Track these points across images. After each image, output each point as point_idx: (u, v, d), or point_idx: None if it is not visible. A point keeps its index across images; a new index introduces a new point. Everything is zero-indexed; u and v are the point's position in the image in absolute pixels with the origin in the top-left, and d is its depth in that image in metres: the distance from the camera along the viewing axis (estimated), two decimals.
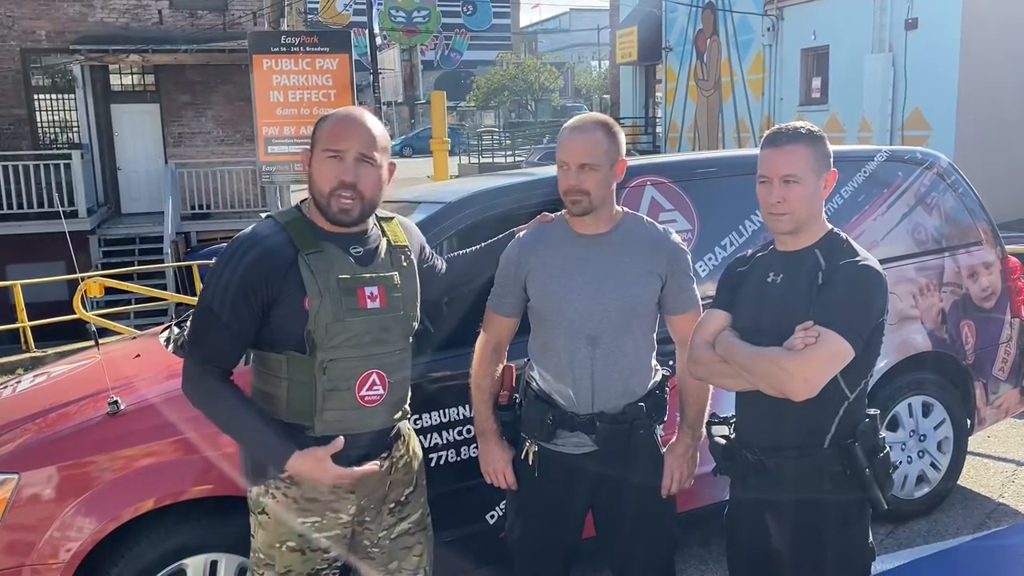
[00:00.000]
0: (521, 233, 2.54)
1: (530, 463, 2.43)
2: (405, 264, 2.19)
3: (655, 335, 2.47)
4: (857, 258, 2.10)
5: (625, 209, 2.47)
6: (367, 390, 2.11)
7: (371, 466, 2.11)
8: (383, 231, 2.21)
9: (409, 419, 2.33)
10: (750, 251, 2.34)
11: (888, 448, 2.18)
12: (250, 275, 2.00)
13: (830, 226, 2.21)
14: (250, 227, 2.13)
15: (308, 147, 2.12)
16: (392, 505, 2.25)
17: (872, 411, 2.19)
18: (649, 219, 2.51)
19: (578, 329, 2.34)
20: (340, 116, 2.11)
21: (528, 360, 2.53)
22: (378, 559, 2.27)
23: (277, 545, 2.14)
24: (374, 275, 2.10)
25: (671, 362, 2.58)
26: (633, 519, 2.43)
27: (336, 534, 2.17)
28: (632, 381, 2.39)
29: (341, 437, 2.05)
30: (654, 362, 2.47)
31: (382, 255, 2.14)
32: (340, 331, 2.04)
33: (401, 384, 2.21)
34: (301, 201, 2.20)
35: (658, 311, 2.44)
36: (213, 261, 2.08)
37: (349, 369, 2.07)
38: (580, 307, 2.34)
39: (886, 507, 2.15)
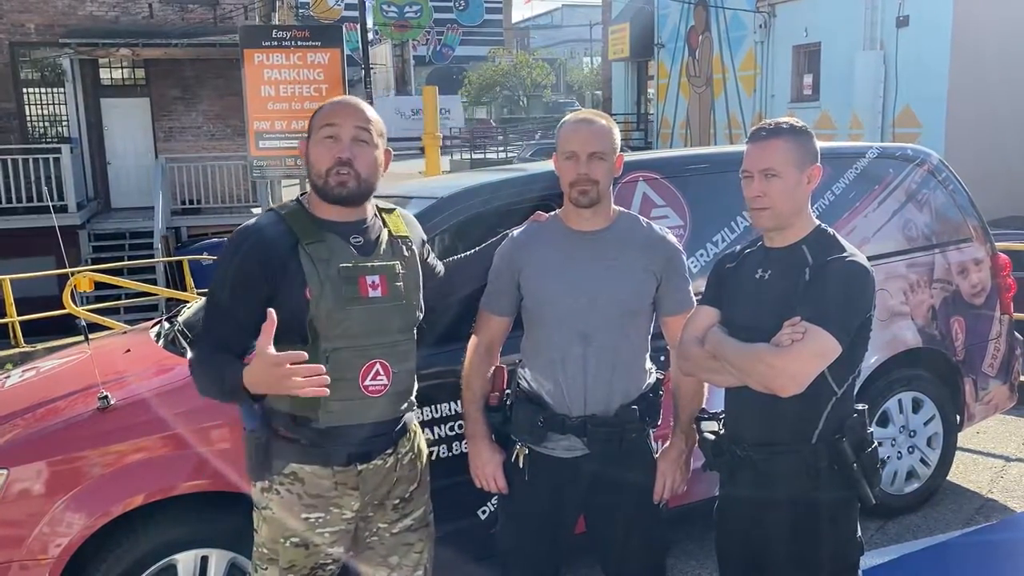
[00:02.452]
0: (515, 231, 2.53)
1: (521, 466, 2.41)
2: (407, 254, 2.19)
3: (650, 337, 2.46)
4: (844, 254, 2.10)
5: (621, 209, 2.47)
6: (371, 380, 2.10)
7: (299, 353, 1.89)
8: (384, 222, 2.21)
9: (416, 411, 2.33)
10: (739, 247, 2.35)
11: (876, 443, 2.19)
12: (247, 263, 2.03)
13: (818, 222, 2.21)
14: (253, 219, 2.17)
15: (305, 137, 2.14)
16: (396, 501, 2.25)
17: (860, 406, 2.20)
18: (646, 219, 2.51)
19: (571, 326, 2.33)
20: (336, 100, 2.16)
21: (520, 360, 2.52)
22: (378, 551, 2.26)
23: (281, 541, 2.14)
24: (375, 264, 2.10)
25: (662, 357, 2.58)
26: (625, 523, 2.42)
27: (339, 530, 2.16)
28: (625, 381, 2.37)
29: (304, 353, 1.90)
30: (648, 364, 2.46)
31: (383, 245, 2.14)
32: (342, 320, 2.04)
33: (406, 375, 2.20)
34: (301, 194, 2.22)
35: (653, 311, 2.43)
36: (204, 255, 2.13)
37: (352, 359, 2.07)
38: (573, 303, 2.32)
39: (874, 502, 2.16)
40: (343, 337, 2.05)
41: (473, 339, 2.54)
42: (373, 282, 2.08)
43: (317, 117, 2.12)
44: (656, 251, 2.39)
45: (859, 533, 2.21)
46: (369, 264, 2.09)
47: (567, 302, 2.33)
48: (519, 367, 2.50)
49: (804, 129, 2.16)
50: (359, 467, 2.14)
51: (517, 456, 2.41)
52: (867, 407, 2.23)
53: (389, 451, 2.20)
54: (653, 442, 2.49)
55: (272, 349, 1.90)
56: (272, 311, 1.93)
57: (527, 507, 2.43)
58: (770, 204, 2.12)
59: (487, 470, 2.46)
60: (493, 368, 2.51)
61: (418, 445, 2.33)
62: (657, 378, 2.46)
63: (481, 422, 2.48)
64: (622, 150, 2.43)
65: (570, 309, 2.33)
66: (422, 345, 2.32)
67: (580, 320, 2.32)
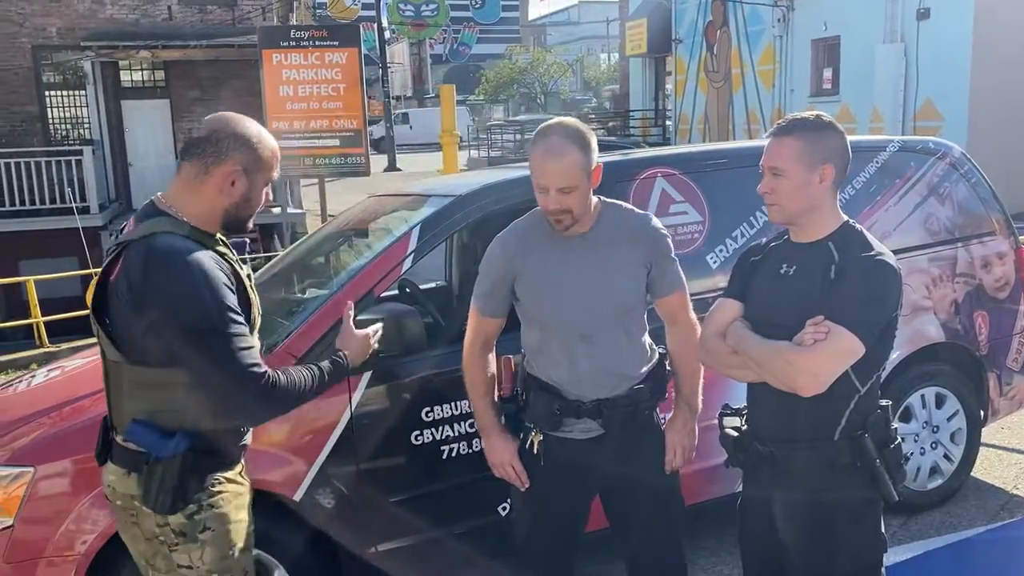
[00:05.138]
0: (502, 234, 2.51)
1: (535, 452, 2.45)
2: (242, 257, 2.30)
3: (646, 317, 2.49)
4: (872, 252, 2.07)
5: (601, 199, 2.45)
6: None
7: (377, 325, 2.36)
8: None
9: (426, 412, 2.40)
10: (764, 240, 2.33)
11: (900, 439, 2.17)
12: (223, 278, 1.94)
13: (845, 218, 2.17)
14: (170, 246, 1.92)
15: (237, 167, 2.00)
16: None
17: (884, 402, 2.18)
18: (627, 205, 2.54)
19: (572, 330, 2.38)
20: (275, 143, 2.11)
21: (524, 353, 2.54)
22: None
23: (230, 553, 2.06)
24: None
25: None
26: (644, 498, 2.46)
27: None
28: (630, 367, 2.44)
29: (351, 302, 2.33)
30: (648, 341, 2.51)
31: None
32: (258, 325, 2.11)
33: None
34: (160, 214, 2.01)
35: (647, 296, 2.46)
36: (181, 296, 1.91)
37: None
38: (572, 309, 2.36)
39: (897, 499, 2.14)
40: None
41: (468, 337, 2.55)
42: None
43: (266, 159, 2.06)
44: (641, 242, 2.41)
45: (883, 530, 2.19)
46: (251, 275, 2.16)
47: (566, 308, 2.37)
48: (525, 359, 2.53)
49: (823, 125, 2.11)
50: (243, 459, 2.18)
51: (531, 443, 2.45)
52: (891, 403, 2.21)
53: None
54: (659, 416, 2.54)
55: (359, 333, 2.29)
56: (350, 302, 2.31)
57: (544, 491, 2.47)
58: (777, 201, 2.12)
59: (504, 459, 2.50)
60: (500, 360, 2.56)
61: None
62: (660, 353, 2.52)
63: (491, 414, 2.53)
64: (639, 146, 2.44)
65: (570, 314, 2.37)
66: (440, 344, 2.34)
67: (580, 323, 2.36)
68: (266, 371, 1.96)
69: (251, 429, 2.17)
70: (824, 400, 2.04)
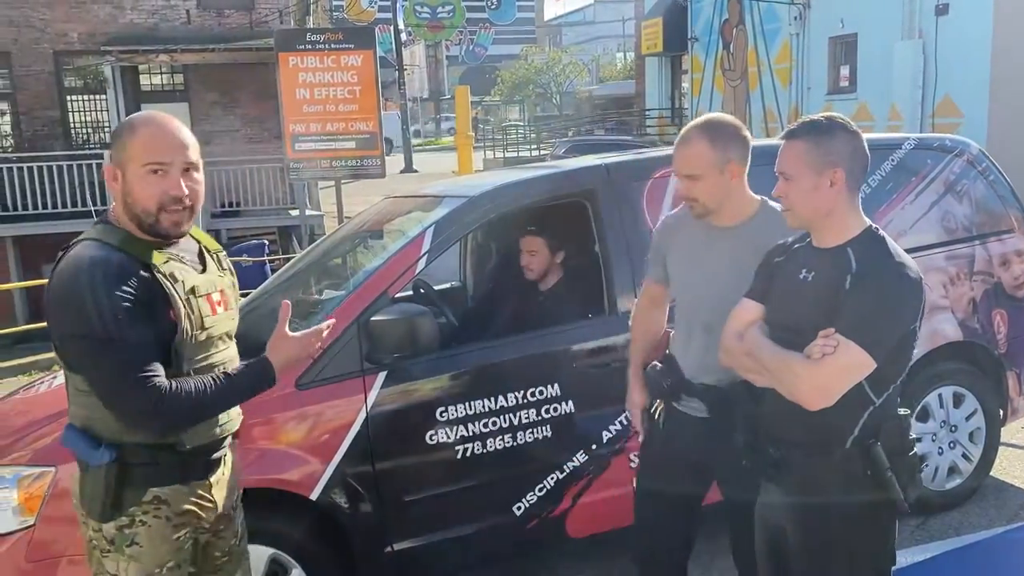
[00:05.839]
0: (671, 211, 2.71)
1: (655, 417, 2.63)
2: (225, 266, 2.20)
3: None
4: (891, 262, 1.99)
5: (765, 200, 2.48)
6: None
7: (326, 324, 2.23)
8: (192, 236, 2.14)
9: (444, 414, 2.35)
10: (790, 239, 2.25)
11: (916, 450, 2.10)
12: (124, 288, 1.88)
13: (869, 223, 2.09)
14: (78, 256, 1.93)
15: (112, 164, 1.98)
16: (233, 508, 2.22)
17: (902, 411, 2.11)
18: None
19: (695, 315, 2.51)
20: (153, 126, 1.98)
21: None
22: (226, 569, 2.22)
23: (157, 571, 2.02)
24: (213, 280, 2.10)
25: None
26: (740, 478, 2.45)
27: (191, 542, 2.09)
28: None
29: (288, 302, 2.16)
30: None
31: (208, 261, 2.14)
32: (203, 338, 2.03)
33: None
34: (101, 221, 2.05)
35: None
36: (64, 300, 1.91)
37: (210, 372, 2.04)
38: (699, 296, 2.50)
39: (908, 510, 2.08)
40: (203, 355, 2.04)
41: (641, 293, 2.83)
42: (217, 299, 2.09)
43: (134, 146, 1.97)
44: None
45: (893, 544, 2.12)
46: (208, 280, 2.08)
47: (695, 294, 2.52)
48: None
49: (831, 127, 2.05)
50: (211, 479, 2.10)
51: (656, 409, 2.63)
52: (909, 412, 2.16)
53: (226, 460, 2.19)
54: None
55: (292, 334, 2.12)
56: (287, 302, 2.15)
57: (660, 457, 2.63)
58: (789, 206, 2.09)
59: (631, 404, 2.75)
60: (666, 333, 2.73)
61: (232, 452, 2.27)
62: None
63: (636, 364, 2.75)
64: (655, 145, 2.46)
65: (699, 300, 2.50)
66: (455, 343, 2.34)
67: (705, 311, 2.45)
68: (152, 380, 1.88)
69: (202, 439, 2.04)
70: (837, 409, 1.99)
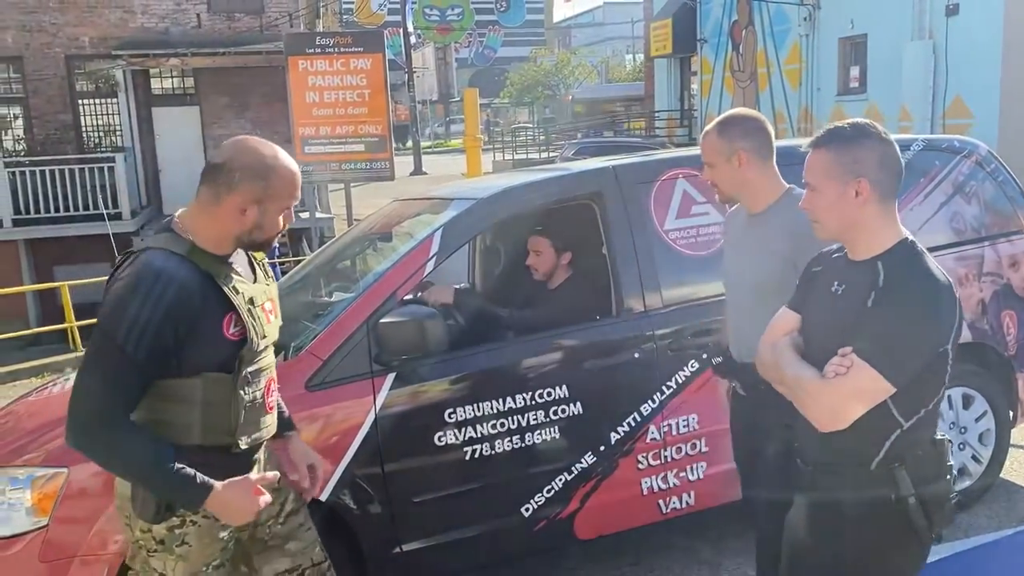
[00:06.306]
0: None
1: (728, 395, 2.85)
2: (269, 274, 2.28)
3: None
4: (920, 278, 1.86)
5: (791, 188, 2.60)
6: (272, 396, 2.21)
7: (272, 474, 2.16)
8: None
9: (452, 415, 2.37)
10: (833, 247, 2.13)
11: (951, 478, 1.96)
12: (173, 311, 1.93)
13: (906, 235, 1.95)
14: (148, 262, 1.99)
15: (248, 197, 2.03)
16: (274, 492, 2.26)
17: (940, 435, 1.97)
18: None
19: (732, 296, 2.75)
20: (291, 169, 2.08)
21: None
22: (274, 544, 2.29)
23: (204, 569, 2.10)
24: (263, 289, 2.19)
25: None
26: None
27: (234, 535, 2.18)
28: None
29: (276, 472, 2.19)
30: None
31: (256, 271, 2.22)
32: (262, 347, 2.12)
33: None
34: (167, 230, 2.09)
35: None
36: (119, 296, 1.96)
37: (262, 379, 2.15)
38: (732, 278, 2.75)
39: (933, 541, 1.96)
40: (257, 360, 2.13)
41: None
42: (269, 307, 2.19)
43: (283, 187, 2.06)
44: (789, 238, 2.45)
45: (914, 572, 2.01)
46: (260, 290, 2.18)
47: (729, 277, 2.77)
48: None
49: (857, 135, 1.95)
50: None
51: (731, 387, 2.81)
52: (948, 439, 2.00)
53: (261, 460, 2.25)
54: None
55: (254, 491, 2.05)
56: (276, 473, 2.19)
57: (732, 428, 2.85)
58: (816, 218, 2.00)
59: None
60: None
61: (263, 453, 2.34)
62: None
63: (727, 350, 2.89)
64: (665, 146, 2.51)
65: (731, 282, 2.75)
66: (464, 344, 2.34)
67: (736, 293, 2.71)
68: (113, 411, 1.91)
69: (252, 441, 2.13)
70: (862, 430, 1.88)
